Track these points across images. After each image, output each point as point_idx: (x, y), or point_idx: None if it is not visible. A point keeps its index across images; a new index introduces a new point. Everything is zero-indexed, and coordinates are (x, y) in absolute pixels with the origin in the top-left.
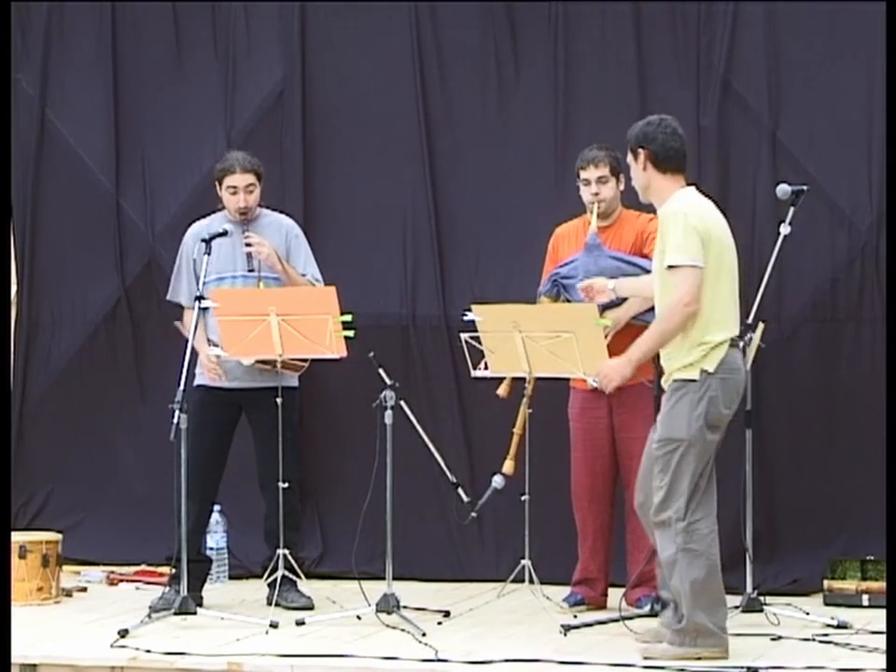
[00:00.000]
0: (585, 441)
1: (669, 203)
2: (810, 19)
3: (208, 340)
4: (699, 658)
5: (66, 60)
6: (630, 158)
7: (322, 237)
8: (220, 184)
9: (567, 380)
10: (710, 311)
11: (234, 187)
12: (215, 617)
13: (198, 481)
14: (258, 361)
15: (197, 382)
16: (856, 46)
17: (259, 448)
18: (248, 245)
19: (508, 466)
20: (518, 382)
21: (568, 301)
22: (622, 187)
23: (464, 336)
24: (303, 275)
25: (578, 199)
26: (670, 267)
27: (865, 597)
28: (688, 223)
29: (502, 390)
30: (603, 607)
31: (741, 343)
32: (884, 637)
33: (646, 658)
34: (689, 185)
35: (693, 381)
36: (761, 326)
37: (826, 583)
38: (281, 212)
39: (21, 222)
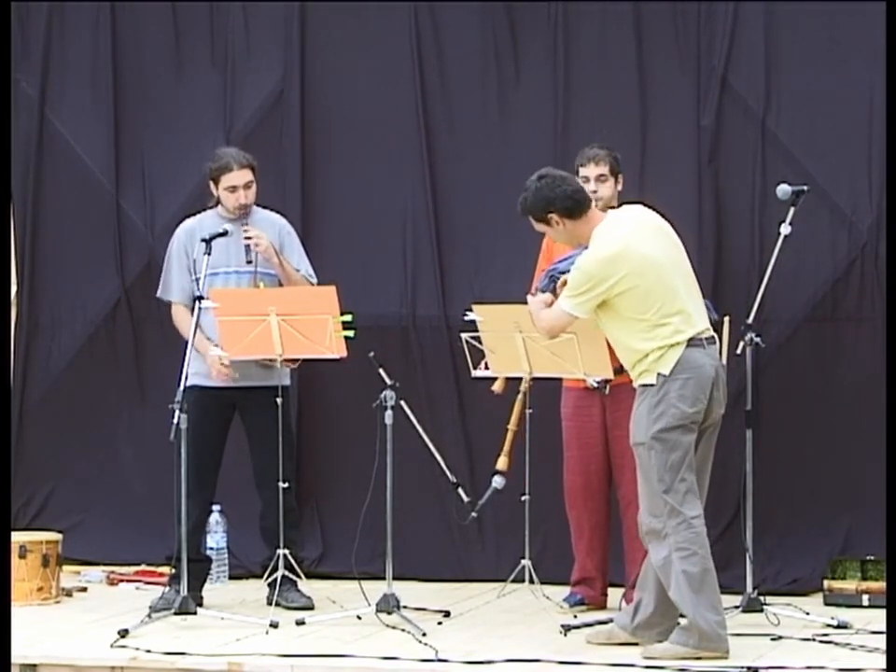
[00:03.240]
0: (580, 439)
1: (590, 247)
2: (810, 19)
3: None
4: (699, 658)
5: (66, 60)
6: (544, 228)
7: (322, 237)
8: (216, 182)
9: (560, 379)
10: (647, 322)
11: (234, 185)
12: (215, 617)
13: (197, 480)
14: None
15: (191, 382)
16: (856, 46)
17: (254, 447)
18: (248, 237)
19: (502, 462)
20: (513, 377)
21: None
22: (619, 187)
23: (465, 336)
24: (297, 270)
25: None
26: (561, 305)
27: (865, 597)
28: (592, 280)
29: (497, 386)
30: (603, 606)
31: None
32: (884, 637)
33: (646, 658)
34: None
35: (652, 385)
36: (726, 319)
37: (826, 583)
38: (274, 210)
39: (21, 222)
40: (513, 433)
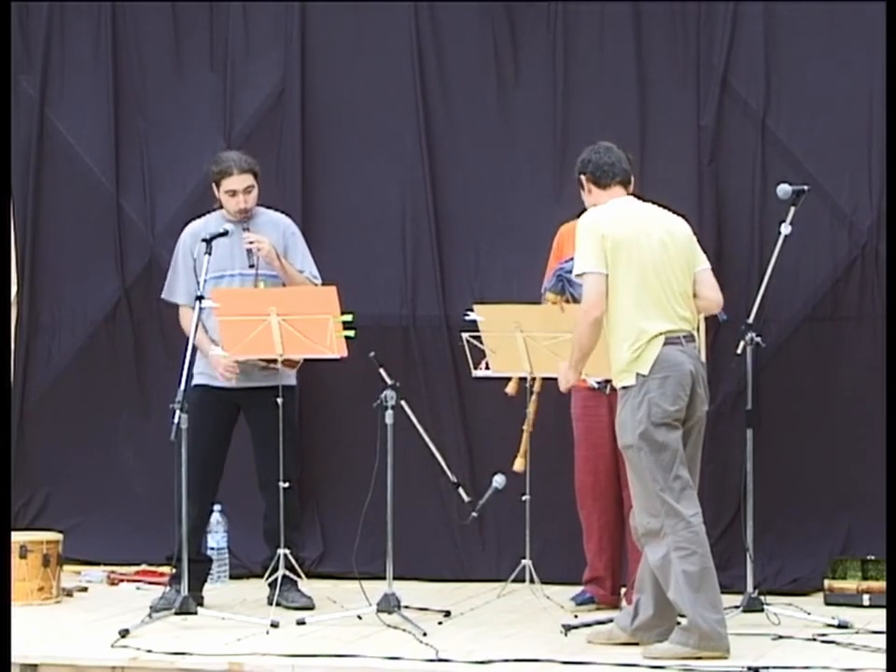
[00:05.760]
0: (588, 439)
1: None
2: (810, 19)
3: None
4: (699, 658)
5: (66, 60)
6: (581, 192)
7: (322, 238)
8: (218, 186)
9: None
10: (628, 313)
11: (234, 190)
12: (215, 617)
13: (198, 480)
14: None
15: (195, 381)
16: (856, 46)
17: (257, 447)
18: (249, 242)
19: (518, 463)
20: (526, 379)
21: (573, 296)
22: (630, 188)
23: (465, 336)
24: (301, 272)
25: (578, 198)
26: (578, 276)
27: (866, 597)
28: (590, 234)
29: (510, 388)
30: (615, 605)
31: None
32: (884, 636)
33: (647, 658)
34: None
35: (633, 386)
36: (701, 317)
37: (827, 583)
38: (277, 210)
39: (22, 222)
40: (529, 434)
